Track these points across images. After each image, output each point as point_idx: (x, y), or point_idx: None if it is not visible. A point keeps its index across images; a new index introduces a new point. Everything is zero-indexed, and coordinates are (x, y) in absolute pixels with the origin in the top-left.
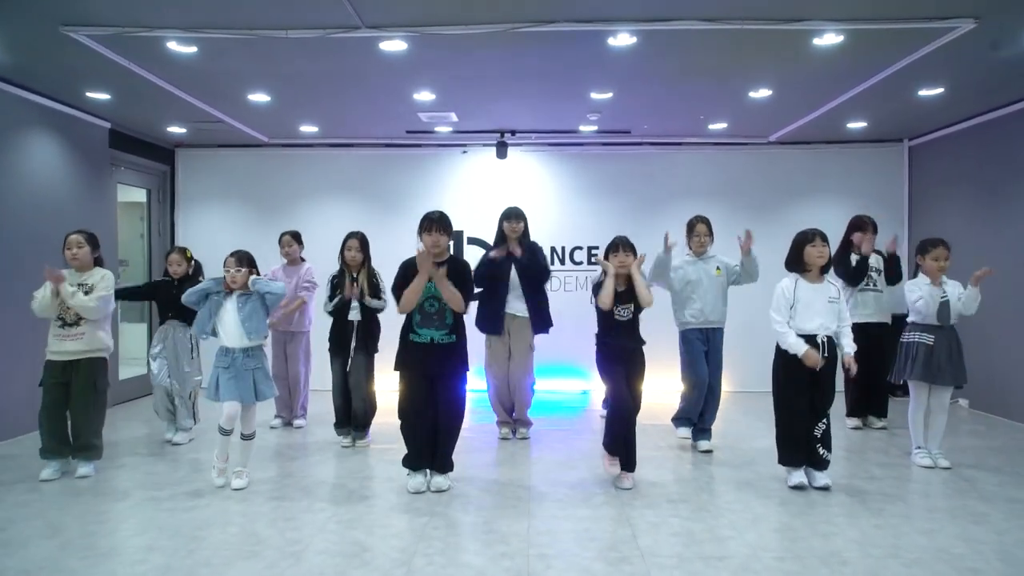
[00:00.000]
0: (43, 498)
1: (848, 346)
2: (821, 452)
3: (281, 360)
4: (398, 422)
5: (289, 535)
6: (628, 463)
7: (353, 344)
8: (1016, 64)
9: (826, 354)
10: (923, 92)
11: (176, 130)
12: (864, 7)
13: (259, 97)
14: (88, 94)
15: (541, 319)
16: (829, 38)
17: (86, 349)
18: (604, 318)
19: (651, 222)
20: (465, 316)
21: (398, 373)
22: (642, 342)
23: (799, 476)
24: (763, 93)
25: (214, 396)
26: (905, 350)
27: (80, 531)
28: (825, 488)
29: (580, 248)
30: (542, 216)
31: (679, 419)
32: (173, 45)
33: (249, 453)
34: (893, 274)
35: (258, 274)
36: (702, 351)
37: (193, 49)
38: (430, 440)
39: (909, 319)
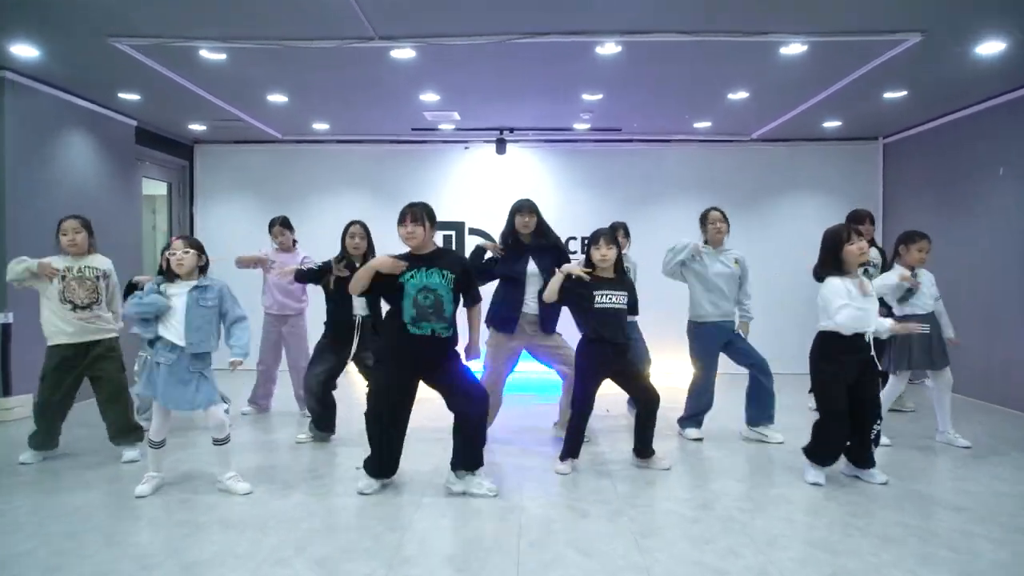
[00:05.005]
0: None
1: (884, 327)
2: (872, 450)
3: (275, 346)
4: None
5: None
6: (573, 450)
7: (368, 361)
8: (964, 73)
9: (872, 353)
10: (888, 95)
11: (196, 127)
12: (822, 21)
13: (277, 98)
14: (120, 95)
15: (552, 318)
16: (794, 47)
17: (103, 329)
18: (590, 312)
19: (642, 214)
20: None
21: (375, 370)
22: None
23: (820, 475)
24: (741, 95)
25: (148, 391)
26: (902, 340)
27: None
28: (885, 483)
29: (575, 239)
30: (539, 209)
31: (687, 419)
32: (204, 53)
33: (230, 457)
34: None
35: (206, 259)
36: (716, 349)
37: (223, 56)
38: (397, 450)
39: (899, 312)
